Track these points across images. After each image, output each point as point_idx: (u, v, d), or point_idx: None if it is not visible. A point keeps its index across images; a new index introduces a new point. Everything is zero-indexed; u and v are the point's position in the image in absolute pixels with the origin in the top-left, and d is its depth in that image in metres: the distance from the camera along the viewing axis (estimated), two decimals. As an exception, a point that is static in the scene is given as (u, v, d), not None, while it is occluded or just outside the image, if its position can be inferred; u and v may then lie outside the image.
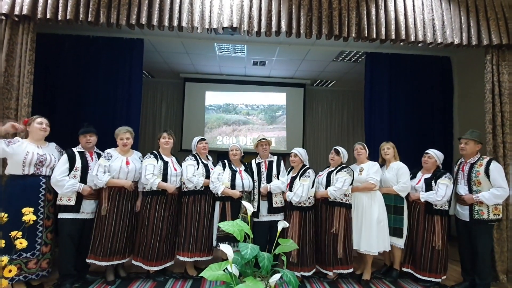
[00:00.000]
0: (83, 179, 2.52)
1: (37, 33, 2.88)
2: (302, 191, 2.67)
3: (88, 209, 2.56)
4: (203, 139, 2.97)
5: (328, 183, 2.79)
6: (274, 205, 2.81)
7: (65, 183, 2.42)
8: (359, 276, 2.88)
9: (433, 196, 2.68)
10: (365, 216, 2.76)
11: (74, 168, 2.49)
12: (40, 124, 2.45)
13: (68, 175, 2.46)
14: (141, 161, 2.76)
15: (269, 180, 2.85)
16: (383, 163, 3.02)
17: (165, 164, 2.74)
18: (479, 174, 2.61)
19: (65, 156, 2.49)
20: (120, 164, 2.59)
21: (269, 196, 2.83)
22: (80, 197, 2.51)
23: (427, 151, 2.86)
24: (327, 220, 2.76)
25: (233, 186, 2.77)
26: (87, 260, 2.53)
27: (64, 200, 2.47)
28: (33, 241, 2.35)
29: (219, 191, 2.72)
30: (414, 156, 3.05)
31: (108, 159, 2.57)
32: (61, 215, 2.48)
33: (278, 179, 2.85)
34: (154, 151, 2.80)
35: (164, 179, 2.69)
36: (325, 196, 2.76)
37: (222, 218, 2.72)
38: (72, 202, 2.48)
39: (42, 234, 2.39)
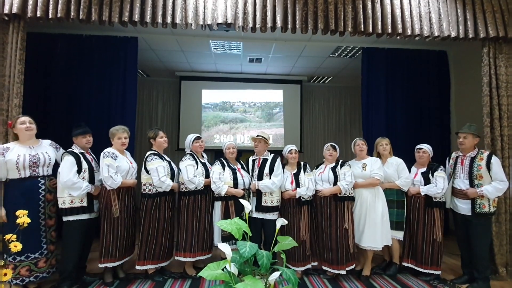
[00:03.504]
0: (91, 180, 2.51)
1: (29, 32, 2.82)
2: (312, 185, 2.75)
3: (95, 208, 2.59)
4: (199, 137, 2.91)
5: (335, 179, 2.77)
6: (262, 204, 2.73)
7: (81, 185, 2.41)
8: (359, 272, 2.87)
9: (434, 189, 2.72)
10: (370, 212, 2.75)
11: (83, 170, 2.47)
12: (23, 123, 2.37)
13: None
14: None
15: (260, 178, 2.78)
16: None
17: (169, 164, 2.74)
18: (480, 168, 2.61)
19: (71, 158, 2.43)
20: (128, 164, 2.59)
21: (258, 194, 2.76)
22: (90, 197, 2.51)
23: (420, 147, 2.90)
24: (337, 216, 2.73)
25: (235, 185, 2.75)
26: (100, 265, 2.52)
27: (76, 202, 2.43)
28: (39, 241, 2.40)
29: (223, 191, 2.68)
30: (411, 151, 3.04)
31: (115, 159, 2.52)
32: (72, 218, 2.43)
33: (269, 178, 2.76)
34: (155, 151, 2.72)
35: (171, 178, 2.70)
36: (337, 191, 2.73)
37: (226, 217, 2.67)
38: (85, 203, 2.47)
39: (46, 233, 2.43)
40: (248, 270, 1.48)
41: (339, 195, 2.74)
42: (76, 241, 2.46)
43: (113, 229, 2.51)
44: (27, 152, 2.36)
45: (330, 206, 2.75)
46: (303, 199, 2.75)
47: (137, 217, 2.71)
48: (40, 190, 2.40)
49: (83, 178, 2.46)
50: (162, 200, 2.65)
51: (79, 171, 2.44)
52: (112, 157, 2.50)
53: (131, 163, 2.66)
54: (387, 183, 2.88)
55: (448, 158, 2.94)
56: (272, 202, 2.75)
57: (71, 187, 2.38)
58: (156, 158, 2.64)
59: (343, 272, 2.70)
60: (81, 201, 2.46)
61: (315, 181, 2.83)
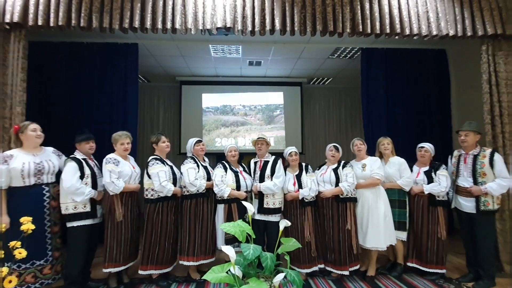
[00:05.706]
0: (94, 185, 2.53)
1: (31, 41, 2.86)
2: (314, 185, 2.75)
3: (99, 214, 2.60)
4: (200, 141, 2.93)
5: (337, 180, 2.77)
6: (265, 206, 2.75)
7: (85, 190, 2.43)
8: (363, 273, 2.86)
9: (437, 187, 2.71)
10: (372, 212, 2.74)
11: (85, 175, 2.49)
12: (34, 131, 2.40)
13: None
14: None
15: (261, 180, 2.80)
16: (380, 158, 3.01)
17: (171, 168, 2.74)
18: (484, 165, 2.61)
19: (74, 164, 2.45)
20: (130, 169, 2.60)
21: (260, 196, 2.78)
22: (93, 203, 2.52)
23: (422, 145, 2.89)
24: (339, 218, 2.73)
25: (238, 187, 2.76)
26: (104, 270, 2.52)
27: (80, 207, 2.45)
28: (44, 248, 2.41)
29: (226, 194, 2.70)
30: (412, 150, 3.04)
31: (117, 165, 2.54)
32: (76, 223, 2.44)
33: (271, 180, 2.77)
34: (157, 156, 2.75)
35: (173, 183, 2.70)
36: (338, 193, 2.74)
37: (229, 220, 2.67)
38: (88, 209, 2.49)
39: (52, 240, 2.44)
40: (252, 273, 1.48)
41: (340, 196, 2.74)
42: (81, 247, 2.47)
43: (117, 233, 2.52)
44: (32, 160, 2.36)
45: (332, 208, 2.76)
46: (306, 200, 2.75)
47: (140, 222, 2.72)
48: (44, 198, 2.41)
49: (86, 183, 2.48)
50: (165, 205, 2.66)
51: (81, 176, 2.45)
52: (114, 162, 2.52)
53: (134, 168, 2.67)
54: (389, 183, 2.87)
55: (450, 156, 2.93)
56: (274, 204, 2.76)
57: (74, 193, 2.40)
58: (157, 163, 2.65)
59: (346, 272, 2.70)
60: (84, 206, 2.47)
61: (317, 182, 2.84)
